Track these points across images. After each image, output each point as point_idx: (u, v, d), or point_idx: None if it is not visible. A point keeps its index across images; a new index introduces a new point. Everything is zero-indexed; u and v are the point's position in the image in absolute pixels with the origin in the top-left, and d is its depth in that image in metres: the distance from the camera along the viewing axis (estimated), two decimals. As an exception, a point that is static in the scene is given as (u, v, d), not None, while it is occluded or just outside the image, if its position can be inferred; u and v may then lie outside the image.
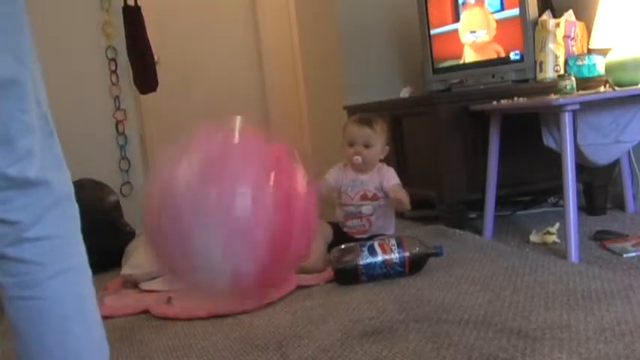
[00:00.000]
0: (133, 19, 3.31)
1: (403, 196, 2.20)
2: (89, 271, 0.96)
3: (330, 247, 2.18)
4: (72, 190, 0.97)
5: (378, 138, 2.30)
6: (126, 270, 2.29)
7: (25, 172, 0.87)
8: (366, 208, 2.30)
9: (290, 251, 1.08)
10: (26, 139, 0.87)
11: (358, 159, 2.28)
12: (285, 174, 1.12)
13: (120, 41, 3.13)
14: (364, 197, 2.30)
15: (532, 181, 2.64)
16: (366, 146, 2.28)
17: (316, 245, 2.22)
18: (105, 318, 1.87)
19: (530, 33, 2.71)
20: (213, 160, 1.10)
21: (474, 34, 2.88)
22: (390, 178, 2.30)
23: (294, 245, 1.09)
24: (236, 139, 1.16)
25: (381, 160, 2.35)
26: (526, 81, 2.72)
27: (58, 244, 0.91)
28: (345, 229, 2.32)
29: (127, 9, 3.26)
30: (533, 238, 2.32)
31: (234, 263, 0.99)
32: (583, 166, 2.42)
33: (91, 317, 0.94)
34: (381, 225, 2.31)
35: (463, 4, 2.92)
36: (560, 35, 2.73)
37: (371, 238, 2.23)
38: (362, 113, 2.42)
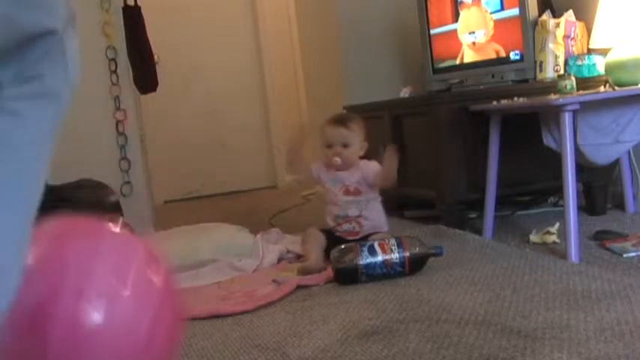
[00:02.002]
0: (133, 19, 3.31)
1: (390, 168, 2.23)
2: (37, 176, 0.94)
3: (326, 251, 2.19)
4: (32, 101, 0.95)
5: (354, 136, 2.30)
6: (126, 270, 2.28)
7: None
8: (352, 211, 2.29)
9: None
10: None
11: (337, 160, 2.28)
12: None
13: (120, 41, 3.13)
14: (347, 192, 2.30)
15: (532, 181, 2.64)
16: (344, 146, 2.29)
17: (314, 247, 2.23)
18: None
19: (530, 33, 2.71)
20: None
21: (473, 34, 2.88)
22: (374, 167, 2.30)
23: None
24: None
25: (361, 157, 2.35)
26: (526, 81, 2.72)
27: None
28: (337, 234, 2.32)
29: (127, 9, 3.27)
30: (533, 238, 2.32)
31: None
32: (583, 166, 2.42)
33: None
34: (373, 225, 2.30)
35: (460, 3, 2.92)
36: (560, 35, 2.73)
37: (364, 238, 2.22)
38: (336, 114, 2.43)
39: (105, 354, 0.95)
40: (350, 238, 2.27)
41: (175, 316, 1.07)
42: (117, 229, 1.07)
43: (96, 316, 0.94)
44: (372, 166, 2.31)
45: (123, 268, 1.00)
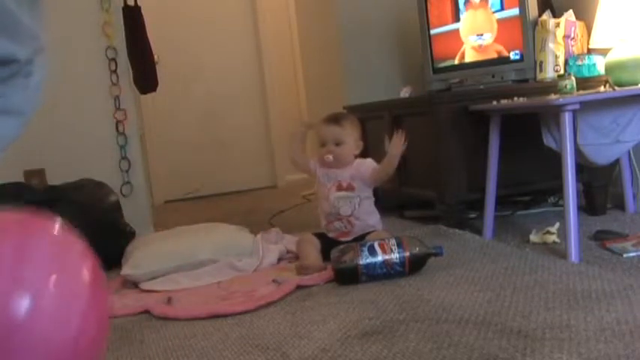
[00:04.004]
0: (133, 19, 3.32)
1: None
2: None
3: (321, 254, 2.20)
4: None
5: (347, 135, 2.30)
6: (126, 270, 2.29)
7: None
8: (344, 209, 2.29)
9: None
10: None
11: (329, 157, 2.29)
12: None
13: (120, 41, 3.13)
14: (339, 188, 2.29)
15: (532, 181, 2.64)
16: (337, 144, 2.29)
17: (310, 248, 2.23)
18: (105, 318, 1.88)
19: (530, 33, 2.71)
20: None
21: (481, 37, 2.88)
22: (370, 164, 2.31)
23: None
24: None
25: (357, 156, 2.34)
26: (526, 81, 2.72)
27: None
28: (330, 235, 2.32)
29: (127, 9, 3.27)
30: (533, 238, 2.32)
31: None
32: (583, 166, 2.42)
33: None
34: (363, 225, 2.30)
35: (466, 2, 2.91)
36: (560, 35, 2.73)
37: (356, 239, 2.22)
38: (330, 113, 2.42)
39: (35, 345, 0.98)
40: (342, 239, 2.27)
41: (103, 313, 1.12)
42: (54, 227, 1.11)
43: (25, 308, 0.97)
44: (368, 164, 2.31)
45: (54, 263, 1.05)
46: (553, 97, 2.22)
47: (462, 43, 2.95)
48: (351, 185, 2.29)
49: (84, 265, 1.07)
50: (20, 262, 1.00)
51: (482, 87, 2.79)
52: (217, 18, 5.27)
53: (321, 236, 2.31)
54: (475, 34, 2.90)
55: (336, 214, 2.30)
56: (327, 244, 2.20)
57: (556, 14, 2.85)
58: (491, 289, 1.72)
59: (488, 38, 2.85)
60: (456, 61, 2.99)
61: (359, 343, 1.44)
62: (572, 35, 2.75)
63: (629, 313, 1.42)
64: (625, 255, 2.02)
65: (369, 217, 2.33)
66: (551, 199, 2.94)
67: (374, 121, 3.08)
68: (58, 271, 1.03)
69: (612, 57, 2.41)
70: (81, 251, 1.08)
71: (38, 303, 0.99)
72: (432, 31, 3.08)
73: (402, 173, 2.93)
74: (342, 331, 1.54)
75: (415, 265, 1.96)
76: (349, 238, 2.27)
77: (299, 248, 2.29)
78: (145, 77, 3.48)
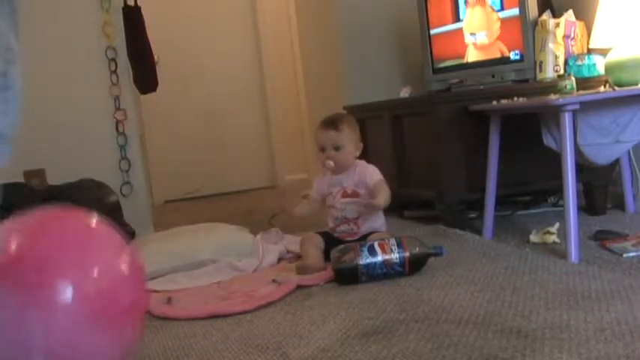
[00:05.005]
0: (133, 19, 3.32)
1: (381, 198, 2.18)
2: None
3: (324, 253, 2.19)
4: None
5: (345, 138, 2.27)
6: (126, 270, 2.28)
7: None
8: (350, 212, 2.29)
9: None
10: None
11: (330, 164, 2.27)
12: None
13: (120, 41, 3.13)
14: (344, 195, 2.29)
15: (532, 181, 2.64)
16: (336, 149, 2.27)
17: (312, 248, 2.23)
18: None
19: (530, 33, 2.71)
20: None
21: (474, 36, 2.88)
22: (373, 174, 2.28)
23: None
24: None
25: (359, 158, 2.33)
26: (526, 81, 2.72)
27: None
28: (335, 235, 2.32)
29: (127, 9, 3.27)
30: (533, 238, 2.32)
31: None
32: (583, 166, 2.42)
33: None
34: (370, 226, 2.29)
35: (466, 1, 2.91)
36: (560, 35, 2.73)
37: (362, 239, 2.22)
38: (327, 116, 2.38)
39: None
40: (348, 239, 2.27)
41: (138, 281, 1.28)
42: (99, 219, 1.28)
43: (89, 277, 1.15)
44: (371, 174, 2.28)
45: (108, 245, 1.24)
46: (553, 97, 2.22)
47: (463, 43, 2.95)
48: (356, 192, 2.29)
49: (123, 246, 1.26)
50: (87, 243, 1.19)
51: (482, 87, 2.79)
52: (217, 18, 5.27)
53: (325, 235, 2.31)
54: (469, 33, 2.90)
55: (343, 218, 2.30)
56: (331, 244, 2.19)
57: (556, 14, 2.85)
58: (491, 289, 1.72)
59: (482, 37, 2.85)
60: (464, 60, 2.98)
61: (359, 343, 1.44)
62: (572, 35, 2.75)
63: (629, 313, 1.42)
64: (625, 255, 2.02)
65: (376, 218, 2.33)
66: (551, 199, 2.94)
67: (374, 121, 3.08)
68: (109, 251, 1.23)
69: (612, 57, 2.41)
70: (119, 235, 1.27)
71: (97, 270, 1.16)
72: (432, 31, 3.08)
73: (402, 173, 2.93)
74: (342, 331, 1.54)
75: (415, 265, 1.96)
76: (354, 238, 2.27)
77: (302, 247, 2.29)
78: (145, 77, 3.48)
